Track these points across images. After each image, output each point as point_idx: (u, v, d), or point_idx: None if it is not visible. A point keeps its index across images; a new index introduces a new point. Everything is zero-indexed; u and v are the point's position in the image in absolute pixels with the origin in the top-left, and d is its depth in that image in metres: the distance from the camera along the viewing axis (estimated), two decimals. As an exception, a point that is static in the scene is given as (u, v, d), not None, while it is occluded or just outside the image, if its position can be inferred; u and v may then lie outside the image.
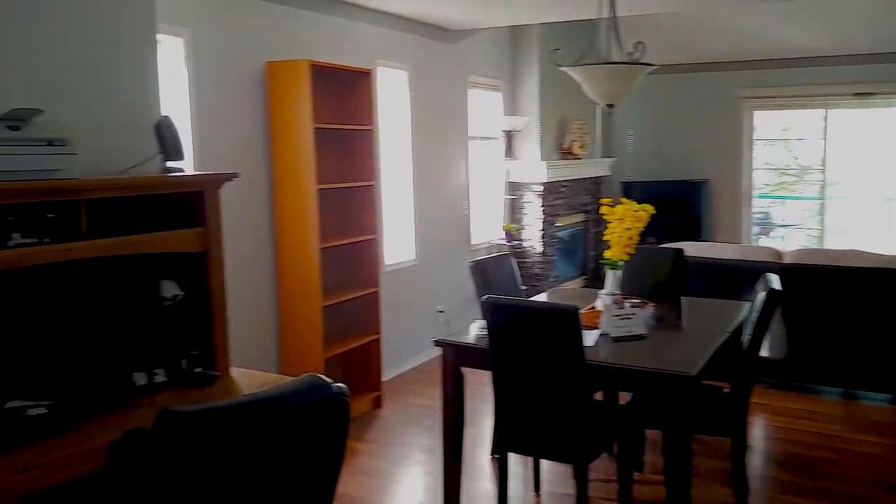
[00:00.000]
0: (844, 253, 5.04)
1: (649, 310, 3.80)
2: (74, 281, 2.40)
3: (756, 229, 9.44)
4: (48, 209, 2.18)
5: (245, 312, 4.22)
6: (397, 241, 5.74)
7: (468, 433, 3.62)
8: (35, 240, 2.15)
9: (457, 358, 3.39)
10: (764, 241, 10.57)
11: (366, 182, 4.81)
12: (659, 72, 9.15)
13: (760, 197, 9.33)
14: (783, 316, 5.06)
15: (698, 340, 3.38)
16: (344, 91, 4.81)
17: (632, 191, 8.61)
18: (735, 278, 5.04)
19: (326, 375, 1.65)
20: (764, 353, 5.14)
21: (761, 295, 3.31)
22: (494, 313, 3.09)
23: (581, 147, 7.83)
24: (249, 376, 2.69)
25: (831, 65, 8.09)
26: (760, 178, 9.23)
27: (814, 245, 8.71)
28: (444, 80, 6.25)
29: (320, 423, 1.61)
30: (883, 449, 4.27)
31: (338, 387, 1.63)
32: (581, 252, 8.29)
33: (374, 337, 4.94)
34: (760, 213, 10.41)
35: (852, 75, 8.02)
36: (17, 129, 2.11)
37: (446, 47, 6.22)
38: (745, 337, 3.41)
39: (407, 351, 5.80)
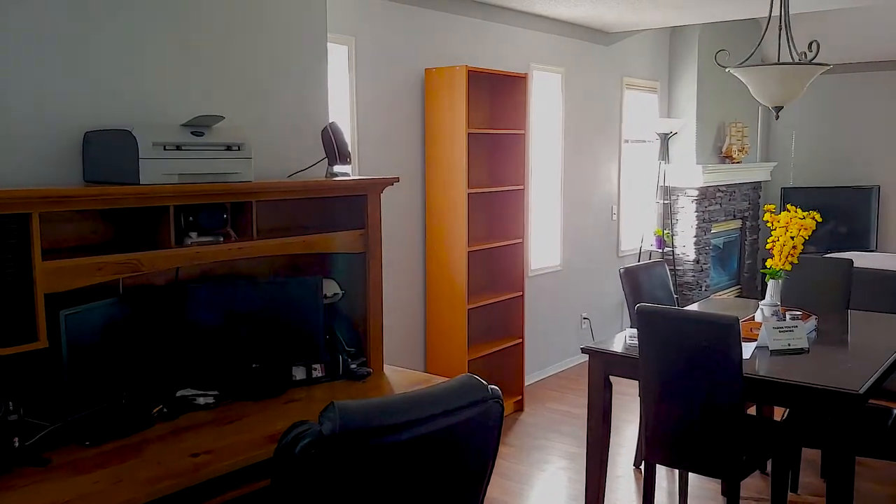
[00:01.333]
0: None
1: (812, 322, 3.60)
2: (243, 278, 2.57)
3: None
4: (223, 210, 2.36)
5: (395, 312, 4.37)
6: (543, 246, 5.73)
7: (612, 442, 3.57)
8: (211, 238, 2.33)
9: (604, 366, 3.35)
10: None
11: (515, 186, 4.84)
12: (825, 72, 8.57)
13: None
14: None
15: (866, 357, 3.17)
16: (498, 95, 4.86)
17: (793, 197, 8.14)
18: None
19: (472, 377, 1.68)
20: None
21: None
22: (648, 321, 3.03)
23: (740, 150, 7.49)
24: (401, 374, 2.79)
25: None
26: None
27: None
28: (599, 82, 6.18)
29: (477, 424, 1.64)
30: None
31: (493, 389, 1.65)
32: (736, 260, 7.92)
33: (518, 341, 4.96)
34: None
35: None
36: (200, 134, 2.30)
37: (602, 49, 6.15)
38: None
39: (549, 357, 5.78)
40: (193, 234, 2.30)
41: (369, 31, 4.26)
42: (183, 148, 2.23)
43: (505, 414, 4.83)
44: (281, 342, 2.60)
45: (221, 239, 2.35)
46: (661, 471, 3.84)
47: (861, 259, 5.07)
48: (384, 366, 2.80)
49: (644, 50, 6.74)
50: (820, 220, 3.69)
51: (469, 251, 4.51)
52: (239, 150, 2.37)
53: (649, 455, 3.19)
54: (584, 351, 3.42)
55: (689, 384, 2.96)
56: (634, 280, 4.09)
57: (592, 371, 3.38)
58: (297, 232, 2.57)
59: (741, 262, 7.93)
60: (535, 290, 5.50)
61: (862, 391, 2.73)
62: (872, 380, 2.84)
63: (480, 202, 4.79)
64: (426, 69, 4.54)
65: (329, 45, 3.04)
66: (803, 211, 3.70)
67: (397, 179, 2.76)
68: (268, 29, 2.71)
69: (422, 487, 1.61)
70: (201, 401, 2.36)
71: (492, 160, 4.93)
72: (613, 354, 3.34)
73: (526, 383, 5.21)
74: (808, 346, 3.26)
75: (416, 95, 4.56)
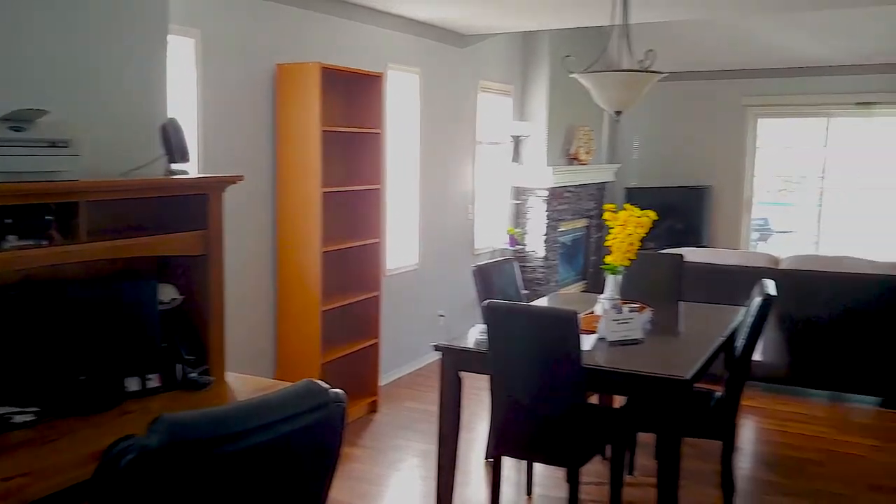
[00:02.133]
0: (840, 259, 5.07)
1: (647, 314, 3.83)
2: (69, 284, 2.41)
3: (755, 235, 9.45)
4: (47, 211, 2.20)
5: (243, 317, 4.25)
6: (400, 245, 5.77)
7: (463, 438, 3.64)
8: (32, 242, 2.17)
9: (456, 362, 3.42)
10: (762, 248, 10.59)
11: (372, 186, 4.84)
12: (665, 79, 9.16)
13: (761, 204, 9.35)
14: (778, 320, 5.09)
15: (693, 345, 3.42)
16: (353, 94, 4.84)
17: (635, 197, 8.63)
18: (733, 284, 5.04)
19: (324, 380, 1.64)
20: (758, 356, 5.17)
21: (756, 300, 3.33)
22: (495, 317, 3.12)
23: (587, 153, 7.86)
24: (244, 381, 2.71)
25: (834, 74, 8.11)
26: (762, 185, 9.24)
27: (810, 251, 8.72)
28: (455, 84, 6.28)
29: (318, 429, 1.62)
30: (868, 450, 4.33)
31: (335, 393, 1.64)
32: (582, 257, 8.31)
33: (373, 341, 4.96)
34: (760, 219, 10.43)
35: (854, 85, 8.03)
36: (20, 129, 2.14)
37: (458, 51, 6.26)
38: (739, 342, 3.43)
39: (406, 355, 5.83)
40: (12, 238, 2.13)
41: (217, 24, 4.12)
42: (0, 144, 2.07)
43: (359, 415, 4.85)
44: (112, 352, 2.45)
45: (45, 242, 2.20)
46: (509, 462, 3.97)
47: (693, 254, 5.44)
48: (228, 373, 2.71)
49: (499, 53, 6.92)
50: (656, 217, 3.92)
51: (324, 251, 4.46)
52: (65, 146, 2.22)
53: (497, 448, 3.29)
54: (436, 348, 3.47)
55: (533, 377, 3.07)
56: (486, 277, 4.20)
57: (443, 367, 3.44)
58: (132, 234, 2.44)
59: (587, 259, 8.32)
60: (393, 290, 5.53)
61: (688, 377, 2.94)
62: (698, 366, 3.07)
63: (336, 202, 4.75)
64: (278, 65, 4.45)
65: (172, 37, 2.91)
66: (643, 210, 3.93)
67: (241, 178, 2.69)
68: (102, 16, 2.55)
69: (262, 495, 1.58)
70: (18, 419, 2.16)
71: (348, 159, 4.90)
72: (464, 350, 3.41)
73: (382, 383, 5.23)
74: (643, 336, 3.47)
75: (267, 92, 4.46)
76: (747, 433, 4.65)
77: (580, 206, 8.00)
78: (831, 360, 5.00)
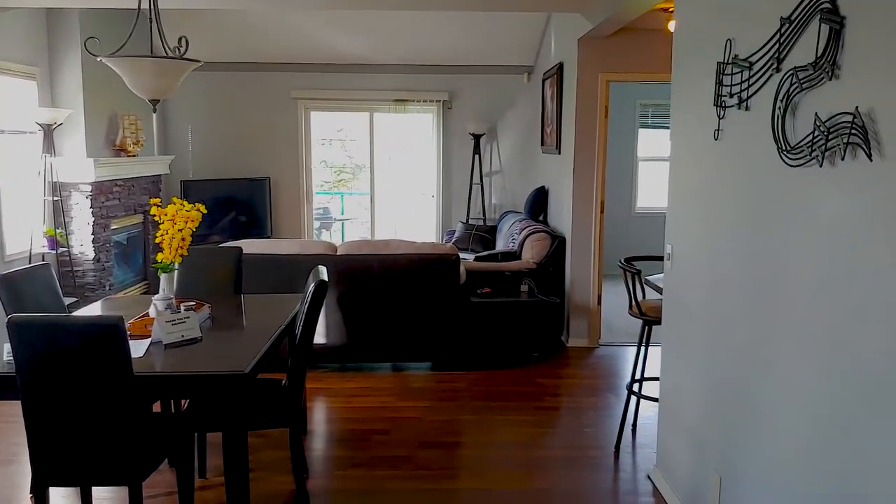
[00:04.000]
0: (388, 242, 5.55)
1: (206, 311, 3.69)
2: None
3: (317, 224, 9.91)
4: None
5: None
6: None
7: (4, 472, 3.10)
8: None
9: (-24, 390, 2.87)
10: (325, 236, 11.19)
11: None
12: (219, 69, 9.09)
13: (319, 194, 9.83)
14: (338, 303, 5.38)
15: (254, 338, 3.38)
16: None
17: (194, 190, 8.37)
18: (295, 272, 5.19)
19: None
20: (322, 339, 5.41)
21: (311, 287, 3.42)
22: (21, 334, 2.68)
23: (135, 143, 7.33)
24: None
25: (375, 72, 8.84)
26: (320, 175, 9.72)
27: (366, 236, 9.46)
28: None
29: None
30: (422, 411, 4.83)
31: None
32: (141, 256, 7.78)
33: None
34: (321, 209, 10.99)
35: (391, 83, 8.87)
36: None
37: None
38: (298, 328, 3.51)
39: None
40: None
41: None
42: None
43: None
44: None
45: None
46: (62, 492, 3.51)
47: (253, 246, 5.45)
48: None
49: (17, 31, 6.04)
50: (205, 211, 3.78)
51: None
52: None
53: (40, 480, 2.86)
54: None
55: (75, 395, 2.72)
56: (13, 288, 3.62)
57: (-40, 400, 2.86)
58: None
59: (147, 258, 7.82)
60: None
61: (247, 371, 2.89)
62: (257, 358, 3.03)
63: None
64: None
65: None
66: (203, 203, 3.77)
67: None
68: None
69: None
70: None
71: None
72: (-12, 376, 2.88)
73: None
74: (201, 334, 3.32)
75: None
76: (318, 414, 4.82)
77: (134, 201, 7.46)
78: (388, 334, 5.45)
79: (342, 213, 11.54)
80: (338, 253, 5.46)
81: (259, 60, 8.77)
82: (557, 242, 6.41)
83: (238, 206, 8.78)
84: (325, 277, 3.51)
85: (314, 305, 3.39)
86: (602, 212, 6.26)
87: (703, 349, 3.24)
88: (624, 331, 6.79)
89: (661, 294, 4.10)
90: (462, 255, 7.60)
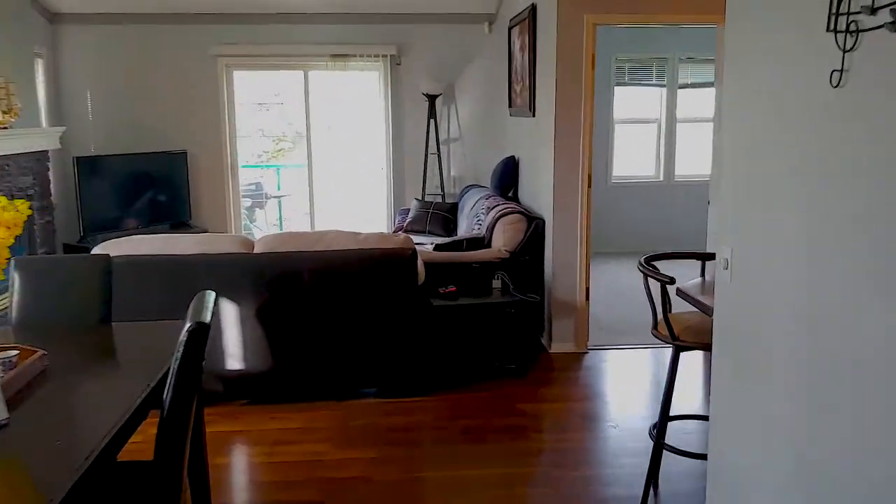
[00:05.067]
0: (322, 235, 4.28)
1: (32, 366, 2.41)
2: None
3: (248, 203, 8.59)
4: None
5: None
6: None
7: None
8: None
9: None
10: (259, 216, 9.85)
11: None
12: (120, 21, 7.58)
13: (247, 167, 8.48)
14: (258, 317, 4.12)
15: (97, 416, 2.13)
16: None
17: (94, 168, 6.95)
18: (197, 280, 3.91)
19: None
20: (238, 364, 4.17)
21: (184, 333, 2.16)
22: None
23: (6, 112, 5.88)
24: None
25: (309, 23, 7.47)
26: (257, 145, 8.38)
27: (305, 216, 8.15)
28: None
29: None
30: (368, 466, 3.56)
31: None
32: (23, 248, 6.37)
33: None
34: (252, 184, 9.62)
35: (329, 35, 7.51)
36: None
37: None
38: (166, 396, 2.22)
39: None
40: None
41: None
42: None
43: None
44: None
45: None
46: None
47: (137, 245, 4.14)
48: None
49: None
50: (30, 212, 2.51)
51: None
52: None
53: None
54: None
55: None
56: None
57: None
58: None
59: (32, 249, 6.41)
60: None
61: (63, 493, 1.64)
62: (81, 472, 1.78)
63: None
64: None
65: None
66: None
67: None
68: None
69: None
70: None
71: None
72: None
73: None
74: (7, 416, 2.05)
75: None
76: (228, 477, 3.57)
77: (9, 185, 6.03)
78: (324, 354, 4.21)
79: (279, 189, 10.19)
80: (255, 251, 4.18)
81: (171, 11, 7.32)
82: (534, 225, 5.22)
83: (155, 184, 7.39)
84: (208, 316, 2.25)
85: (187, 363, 2.14)
86: (589, 186, 5.09)
87: (794, 411, 2.09)
88: (615, 328, 5.68)
89: (696, 305, 2.96)
90: (418, 241, 6.41)
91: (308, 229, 7.91)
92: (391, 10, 7.48)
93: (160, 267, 4.02)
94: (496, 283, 4.90)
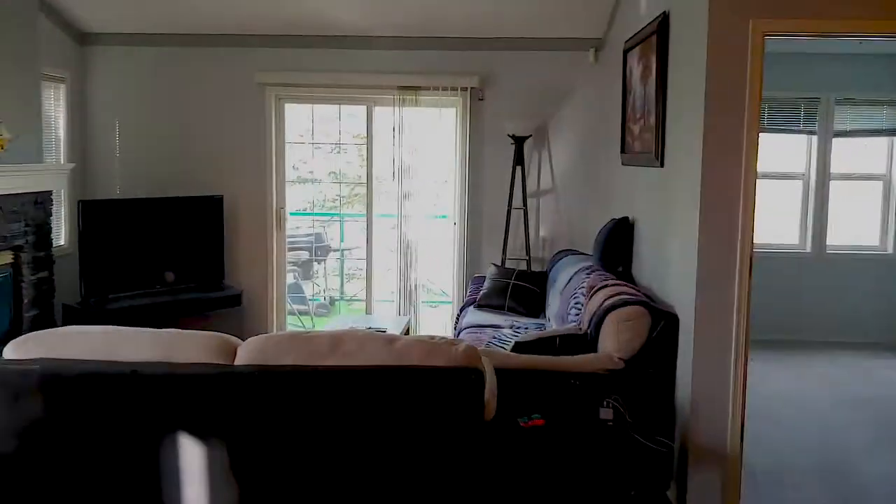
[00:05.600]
0: (340, 340, 2.76)
1: None
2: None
3: (305, 256, 7.30)
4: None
5: None
6: None
7: None
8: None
9: None
10: (318, 270, 8.54)
11: None
12: (150, 42, 6.39)
13: (295, 214, 7.19)
14: (234, 471, 2.64)
15: None
16: None
17: (111, 214, 5.76)
18: (144, 405, 2.48)
19: None
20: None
21: None
22: None
23: (-9, 145, 4.74)
24: None
25: (374, 48, 6.19)
26: (330, 190, 7.16)
27: (361, 280, 6.75)
28: None
29: None
30: None
31: None
32: (9, 308, 5.19)
33: None
34: (311, 235, 8.31)
35: (397, 64, 6.19)
36: None
37: None
38: None
39: None
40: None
41: None
42: None
43: None
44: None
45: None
46: None
47: (52, 345, 2.77)
48: None
49: None
50: None
51: None
52: None
53: None
54: None
55: None
56: None
57: None
58: None
59: (19, 311, 5.22)
60: None
61: None
62: None
63: None
64: None
65: None
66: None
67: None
68: None
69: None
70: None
71: None
72: None
73: None
74: None
75: None
76: None
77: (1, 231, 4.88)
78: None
79: (342, 242, 8.83)
80: (237, 362, 2.71)
81: (212, 32, 6.16)
82: (663, 323, 3.61)
83: (177, 236, 6.14)
84: None
85: None
86: (750, 269, 3.44)
87: None
88: (778, 480, 3.95)
89: None
90: (493, 324, 4.95)
91: (363, 298, 6.50)
92: (473, 34, 6.11)
93: (87, 384, 2.61)
94: (605, 412, 3.29)
